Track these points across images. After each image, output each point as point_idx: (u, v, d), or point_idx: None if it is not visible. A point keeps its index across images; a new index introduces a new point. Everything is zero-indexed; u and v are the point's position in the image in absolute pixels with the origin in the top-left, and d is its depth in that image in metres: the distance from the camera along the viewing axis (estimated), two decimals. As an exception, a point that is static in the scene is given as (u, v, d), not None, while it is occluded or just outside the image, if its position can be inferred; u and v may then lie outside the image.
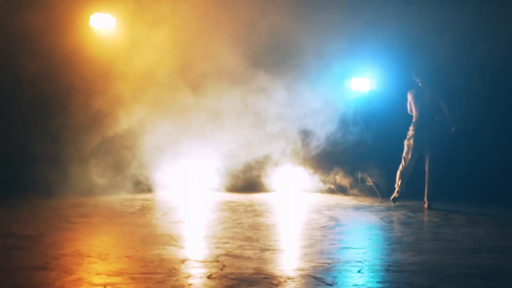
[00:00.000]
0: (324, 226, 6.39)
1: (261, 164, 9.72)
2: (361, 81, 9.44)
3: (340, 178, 9.62)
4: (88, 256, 4.66)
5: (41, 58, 8.32)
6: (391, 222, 6.81)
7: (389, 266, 4.55)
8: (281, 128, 9.64)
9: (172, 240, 5.45)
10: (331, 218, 7.00)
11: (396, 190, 8.18)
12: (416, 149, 7.98)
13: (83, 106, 8.49)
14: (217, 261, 4.58)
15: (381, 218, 7.06)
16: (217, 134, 9.30)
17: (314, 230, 6.15)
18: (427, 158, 7.97)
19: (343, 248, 5.27)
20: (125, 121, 8.68)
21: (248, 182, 9.67)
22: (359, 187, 9.54)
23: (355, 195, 9.43)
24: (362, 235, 5.98)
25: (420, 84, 8.13)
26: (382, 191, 9.29)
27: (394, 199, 8.21)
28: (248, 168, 9.66)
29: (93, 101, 8.47)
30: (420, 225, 6.61)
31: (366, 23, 8.77)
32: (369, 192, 9.44)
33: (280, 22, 8.95)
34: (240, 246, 5.19)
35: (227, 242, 5.38)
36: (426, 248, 5.33)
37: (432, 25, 8.63)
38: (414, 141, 7.98)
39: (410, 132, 8.09)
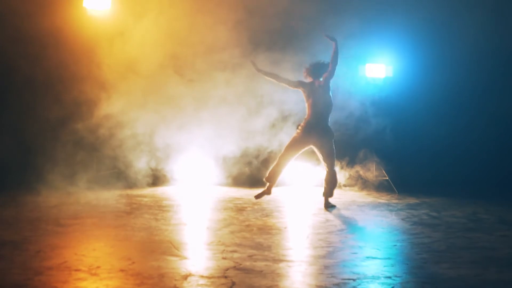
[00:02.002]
0: (342, 230, 5.75)
1: (267, 155, 9.05)
2: (376, 67, 8.73)
3: (353, 172, 8.94)
4: (77, 270, 4.03)
5: (29, 41, 7.62)
6: (414, 223, 6.16)
7: (424, 283, 3.91)
8: (288, 117, 8.95)
9: (172, 247, 4.81)
10: (348, 218, 6.36)
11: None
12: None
13: (74, 94, 7.79)
14: (225, 277, 3.93)
15: (402, 219, 6.40)
16: (220, 124, 8.62)
17: (331, 235, 5.51)
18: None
19: (367, 258, 4.63)
20: (118, 109, 8.00)
21: (253, 176, 8.99)
22: (373, 182, 8.85)
23: (370, 190, 8.75)
24: (385, 241, 5.33)
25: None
26: (397, 186, 8.64)
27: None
28: (253, 160, 8.99)
29: (85, 88, 7.77)
30: (447, 227, 5.96)
31: (383, 2, 8.05)
32: (384, 187, 8.76)
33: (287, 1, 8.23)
34: (250, 256, 4.55)
35: (235, 251, 4.74)
36: (462, 258, 4.68)
37: (458, 7, 7.90)
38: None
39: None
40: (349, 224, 6.05)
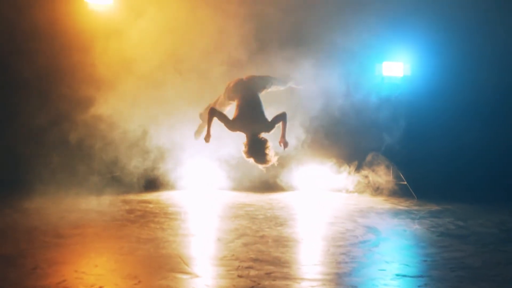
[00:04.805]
0: (364, 241, 5.30)
1: (278, 158, 8.56)
2: (393, 66, 8.27)
3: (370, 176, 8.46)
4: (76, 291, 3.60)
5: (28, 35, 7.19)
6: (441, 234, 5.70)
7: (466, 308, 3.47)
8: (301, 117, 8.49)
9: (182, 263, 4.39)
10: (369, 228, 5.90)
11: None
12: None
13: (71, 95, 7.35)
14: (243, 300, 3.50)
15: (427, 229, 5.95)
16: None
17: (353, 247, 5.06)
18: None
19: (397, 276, 4.19)
20: (119, 110, 7.56)
21: (264, 180, 8.53)
22: (391, 186, 8.37)
23: (387, 195, 8.27)
24: (414, 255, 4.88)
25: None
26: (416, 191, 8.18)
27: None
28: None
29: (85, 88, 7.33)
30: (478, 239, 5.51)
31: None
32: (402, 192, 8.28)
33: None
34: (268, 274, 4.11)
35: (251, 267, 4.30)
36: (501, 276, 4.24)
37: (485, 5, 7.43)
38: None
39: None
40: (371, 235, 5.60)
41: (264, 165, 5.44)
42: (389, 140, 8.55)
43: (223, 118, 5.49)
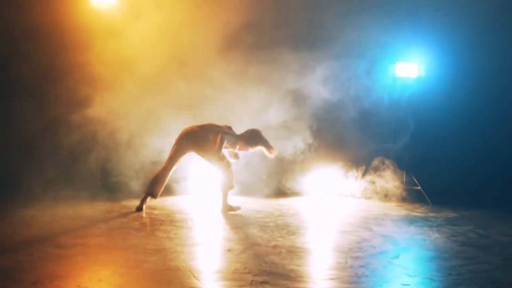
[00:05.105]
0: (383, 252, 5.01)
1: (286, 162, 8.30)
2: (407, 66, 7.98)
3: (382, 180, 8.16)
4: (79, 311, 3.31)
5: (29, 33, 6.92)
6: (463, 244, 5.41)
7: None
8: (311, 119, 8.23)
9: (192, 277, 4.09)
10: (386, 237, 5.61)
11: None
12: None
13: (70, 96, 7.07)
14: (261, 321, 3.21)
15: (447, 238, 5.66)
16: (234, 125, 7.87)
17: (372, 259, 4.77)
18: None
19: (424, 292, 3.90)
20: (120, 111, 7.28)
21: (272, 184, 8.24)
22: (404, 192, 8.08)
23: (400, 201, 7.97)
24: (438, 268, 4.59)
25: None
26: (428, 196, 7.89)
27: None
28: (271, 167, 8.24)
29: (84, 89, 7.05)
30: (503, 249, 5.22)
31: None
32: (416, 198, 7.98)
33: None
34: (285, 291, 3.83)
35: (265, 282, 4.02)
36: (535, 293, 3.95)
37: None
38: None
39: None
40: (389, 245, 5.31)
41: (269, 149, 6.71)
42: (400, 143, 8.28)
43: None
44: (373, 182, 8.23)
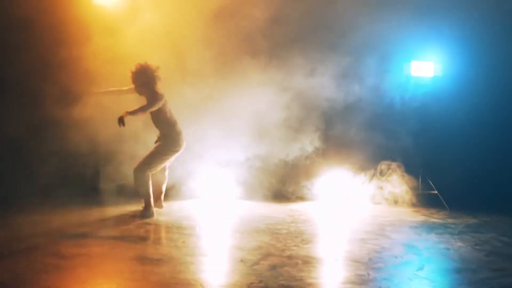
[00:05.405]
0: (406, 263, 4.69)
1: (296, 165, 7.97)
2: (423, 65, 7.65)
3: (394, 184, 7.82)
4: (81, 333, 2.99)
5: (27, 31, 6.61)
6: (489, 254, 5.09)
7: None
8: (320, 120, 7.91)
9: (203, 291, 3.78)
10: (406, 246, 5.30)
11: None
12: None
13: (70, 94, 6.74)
14: None
15: (472, 247, 5.34)
16: (242, 128, 7.56)
17: (395, 270, 4.46)
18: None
19: (456, 309, 3.57)
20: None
21: (281, 189, 7.92)
22: (419, 196, 7.73)
23: (416, 206, 7.61)
24: (467, 282, 4.26)
25: None
26: (447, 201, 7.55)
27: None
28: (281, 170, 7.92)
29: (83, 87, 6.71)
30: (532, 260, 4.90)
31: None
32: (432, 202, 7.63)
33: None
34: (306, 308, 3.50)
35: (284, 297, 3.69)
36: None
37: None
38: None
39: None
40: (411, 255, 4.99)
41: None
42: (413, 146, 7.96)
43: None
44: (384, 187, 7.89)
